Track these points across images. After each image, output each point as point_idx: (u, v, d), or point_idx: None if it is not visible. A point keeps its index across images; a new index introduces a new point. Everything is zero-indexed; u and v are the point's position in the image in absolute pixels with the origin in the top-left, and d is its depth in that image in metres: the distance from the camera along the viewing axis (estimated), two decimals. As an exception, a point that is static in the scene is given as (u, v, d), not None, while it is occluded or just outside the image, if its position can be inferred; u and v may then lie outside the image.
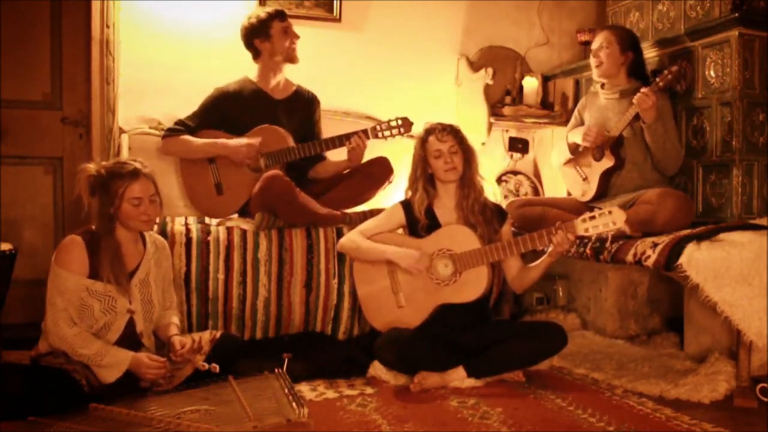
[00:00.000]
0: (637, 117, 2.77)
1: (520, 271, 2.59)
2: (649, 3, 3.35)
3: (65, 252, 2.14)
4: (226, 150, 2.93)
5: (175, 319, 2.36)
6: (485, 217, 2.56)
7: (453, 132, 2.59)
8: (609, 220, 2.30)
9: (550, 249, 2.41)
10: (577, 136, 3.02)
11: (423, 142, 2.60)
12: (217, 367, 2.15)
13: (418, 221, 2.58)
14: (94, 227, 2.19)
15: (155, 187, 2.22)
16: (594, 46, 2.99)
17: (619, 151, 2.89)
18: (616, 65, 2.92)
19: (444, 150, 2.55)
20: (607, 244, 2.59)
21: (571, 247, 2.41)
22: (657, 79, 2.73)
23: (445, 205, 2.62)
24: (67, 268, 2.11)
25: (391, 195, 3.26)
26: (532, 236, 2.42)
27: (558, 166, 3.24)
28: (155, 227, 2.68)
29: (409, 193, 2.65)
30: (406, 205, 2.64)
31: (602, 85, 3.05)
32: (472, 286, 2.49)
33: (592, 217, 2.33)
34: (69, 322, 2.09)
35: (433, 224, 2.58)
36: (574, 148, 3.07)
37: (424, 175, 2.60)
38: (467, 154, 2.59)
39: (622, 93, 2.92)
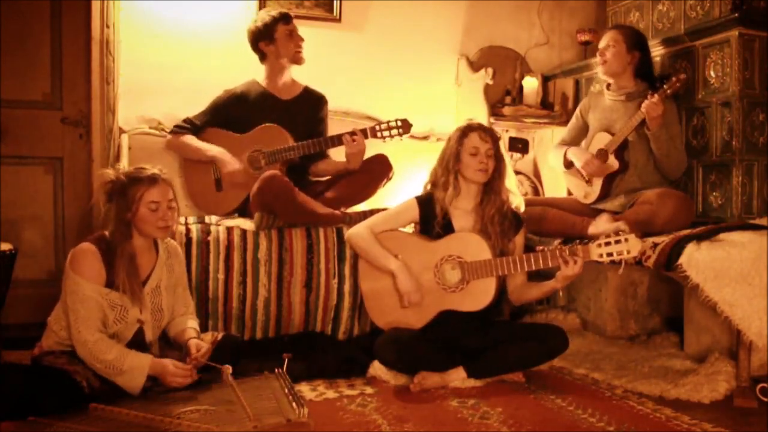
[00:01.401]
0: (642, 122, 2.77)
1: (523, 286, 2.59)
2: (649, 3, 3.35)
3: (81, 261, 2.11)
4: (217, 160, 2.97)
5: (193, 324, 2.32)
6: (502, 228, 2.53)
7: (493, 136, 2.59)
8: (624, 248, 2.29)
9: (559, 273, 2.38)
10: (576, 158, 2.98)
11: (462, 136, 2.56)
12: (230, 368, 2.12)
13: (435, 216, 2.56)
14: (107, 233, 2.16)
15: (173, 193, 2.20)
16: (601, 45, 2.97)
17: (623, 155, 2.88)
18: (623, 64, 2.91)
19: (482, 150, 2.53)
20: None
21: (581, 270, 2.38)
22: (665, 87, 2.70)
23: (463, 207, 2.59)
24: (85, 276, 2.08)
25: (391, 193, 3.26)
26: (544, 254, 2.40)
27: (556, 168, 3.23)
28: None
29: (429, 187, 2.63)
30: (422, 201, 2.61)
31: (608, 86, 3.03)
32: (479, 297, 2.48)
33: (608, 243, 2.31)
34: (91, 329, 2.06)
35: (447, 224, 2.56)
36: (569, 165, 3.05)
37: (454, 171, 2.57)
38: (499, 162, 2.57)
39: (629, 96, 2.91)
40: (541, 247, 2.45)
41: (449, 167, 2.56)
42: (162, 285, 2.26)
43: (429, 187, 2.65)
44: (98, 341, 2.05)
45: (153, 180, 2.15)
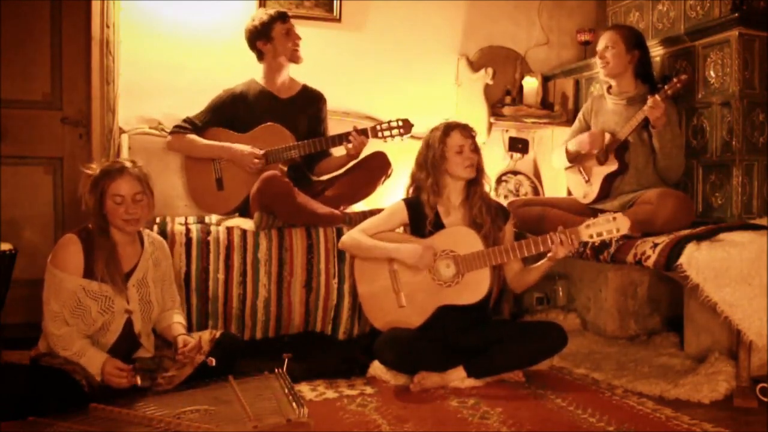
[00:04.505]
0: (643, 123, 2.76)
1: (520, 273, 2.60)
2: (649, 3, 3.35)
3: (61, 251, 2.14)
4: (228, 153, 2.96)
5: (179, 318, 2.35)
6: (491, 217, 2.56)
7: (472, 131, 2.63)
8: (613, 226, 2.31)
9: (551, 253, 2.41)
10: (578, 143, 2.98)
11: (444, 136, 2.58)
12: (213, 360, 2.16)
13: (426, 217, 2.57)
14: (90, 226, 2.20)
15: (142, 187, 2.19)
16: (599, 47, 2.97)
17: (623, 156, 2.88)
18: (623, 64, 2.90)
19: (466, 146, 2.56)
20: (610, 248, 2.60)
21: (573, 251, 2.42)
22: (666, 87, 2.70)
23: (450, 203, 2.61)
24: (63, 268, 2.11)
25: (390, 191, 3.26)
26: (535, 240, 2.42)
27: (559, 169, 3.24)
28: (155, 227, 2.69)
29: (412, 191, 2.66)
30: (409, 203, 2.63)
31: (608, 89, 3.03)
32: (474, 289, 2.50)
33: (597, 224, 2.33)
34: (59, 324, 2.09)
35: (436, 222, 2.58)
36: (574, 156, 3.05)
37: (437, 170, 2.59)
38: (479, 154, 2.62)
39: (630, 100, 2.90)
40: None
41: (437, 168, 2.58)
42: (148, 277, 2.27)
43: (412, 191, 2.67)
44: (61, 337, 2.09)
45: (119, 173, 2.17)
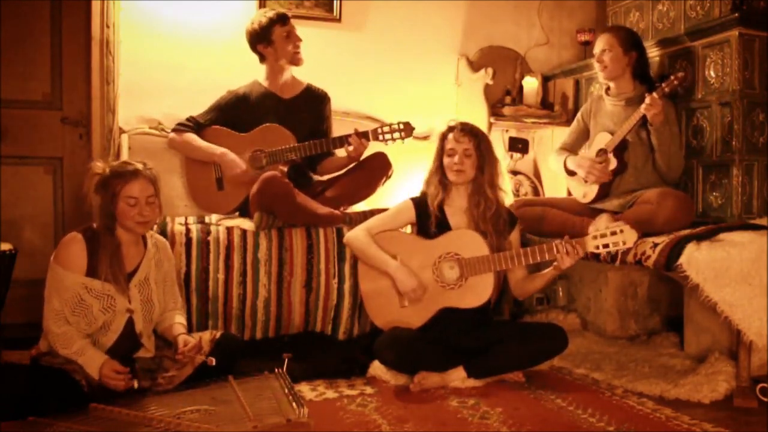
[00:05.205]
0: (641, 122, 2.77)
1: (524, 280, 2.60)
2: (649, 3, 3.35)
3: (65, 249, 2.15)
4: (221, 160, 2.96)
5: (181, 319, 2.35)
6: (496, 228, 2.54)
7: (473, 135, 2.57)
8: (620, 239, 2.31)
9: (557, 263, 2.40)
10: (578, 167, 2.96)
11: (442, 138, 2.60)
12: (213, 360, 2.16)
13: (430, 216, 2.57)
14: (95, 225, 2.20)
15: (155, 190, 2.21)
16: (596, 50, 2.97)
17: (622, 155, 2.88)
18: (621, 66, 2.91)
19: (458, 150, 2.54)
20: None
21: (577, 260, 2.40)
22: (663, 85, 2.70)
23: (456, 206, 2.61)
24: (66, 266, 2.12)
25: (391, 192, 3.26)
26: (541, 248, 2.42)
27: (556, 171, 3.24)
28: (155, 227, 2.69)
29: (426, 186, 2.66)
30: (417, 202, 2.63)
31: (606, 91, 3.03)
32: (477, 293, 2.49)
33: (603, 235, 2.33)
34: (60, 322, 2.10)
35: (443, 222, 2.58)
36: (570, 173, 3.04)
37: (440, 170, 2.60)
38: (483, 161, 2.56)
39: (628, 101, 2.90)
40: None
41: (434, 168, 2.61)
42: (151, 278, 2.27)
43: (425, 186, 2.67)
44: (62, 335, 2.08)
45: (133, 175, 2.18)
